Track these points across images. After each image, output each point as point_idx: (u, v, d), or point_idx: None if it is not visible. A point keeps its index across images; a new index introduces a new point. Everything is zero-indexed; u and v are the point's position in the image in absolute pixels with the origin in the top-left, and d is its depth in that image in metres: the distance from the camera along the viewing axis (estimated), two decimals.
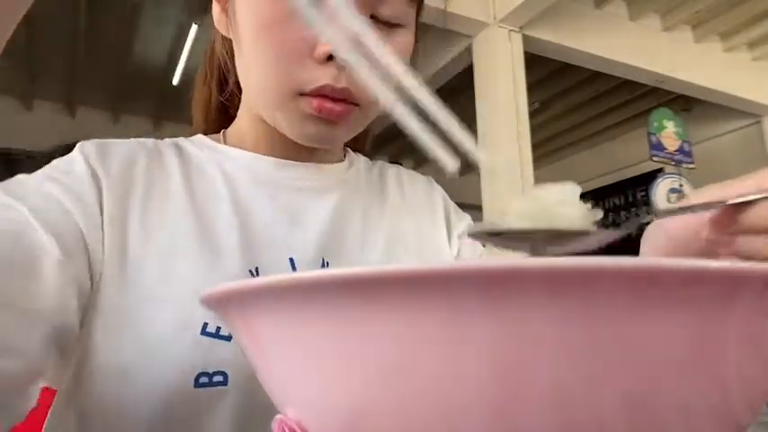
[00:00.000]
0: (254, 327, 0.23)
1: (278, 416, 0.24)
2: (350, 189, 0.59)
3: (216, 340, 0.45)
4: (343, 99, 0.48)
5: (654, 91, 4.48)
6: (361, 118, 0.51)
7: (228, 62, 0.58)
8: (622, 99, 5.04)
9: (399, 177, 0.65)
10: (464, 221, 0.65)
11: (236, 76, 0.56)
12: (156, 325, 0.44)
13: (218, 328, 0.45)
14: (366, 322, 0.19)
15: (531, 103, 3.59)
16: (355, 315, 0.19)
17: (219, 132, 0.60)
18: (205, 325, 0.45)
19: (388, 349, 0.19)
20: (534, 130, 3.54)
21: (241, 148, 0.56)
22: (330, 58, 0.46)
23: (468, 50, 3.54)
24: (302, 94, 0.48)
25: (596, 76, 4.30)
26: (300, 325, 0.21)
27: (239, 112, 0.59)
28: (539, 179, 3.43)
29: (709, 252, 0.36)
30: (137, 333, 0.44)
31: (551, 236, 0.29)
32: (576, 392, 0.18)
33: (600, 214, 0.30)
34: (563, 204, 0.30)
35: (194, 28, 4.00)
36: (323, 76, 0.47)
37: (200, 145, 0.57)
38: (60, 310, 0.40)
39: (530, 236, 0.30)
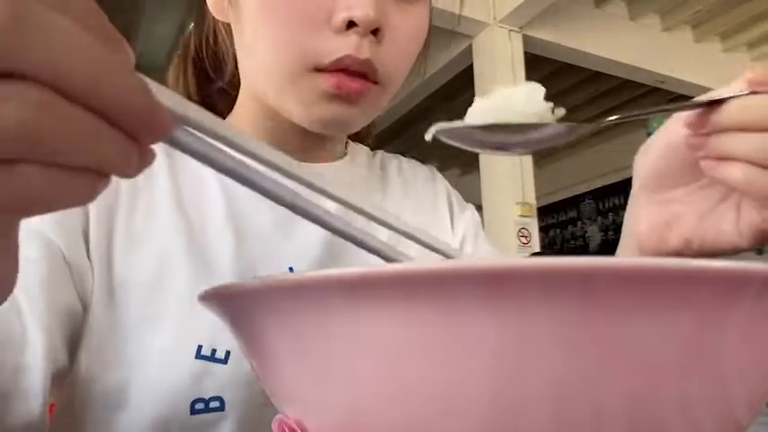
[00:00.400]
0: (253, 327, 0.23)
1: (278, 416, 0.24)
2: (352, 181, 0.56)
3: (211, 363, 0.42)
4: (363, 74, 0.44)
5: (654, 91, 4.48)
6: (381, 97, 0.47)
7: (226, 52, 0.54)
8: (622, 99, 5.04)
9: (401, 168, 0.62)
10: (467, 212, 0.62)
11: (233, 66, 0.52)
12: (148, 351, 0.42)
13: (214, 351, 0.42)
14: (366, 322, 0.19)
15: None
16: (355, 315, 0.19)
17: None
18: (199, 348, 0.42)
19: (387, 349, 0.19)
20: None
21: None
22: (350, 25, 0.42)
23: (469, 50, 3.54)
24: (318, 70, 0.43)
25: (596, 76, 4.30)
26: (300, 325, 0.21)
27: (237, 105, 0.54)
28: (539, 179, 3.43)
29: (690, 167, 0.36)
30: (127, 360, 0.42)
31: (513, 130, 0.31)
32: (576, 392, 0.18)
33: (562, 111, 0.31)
34: (525, 101, 0.31)
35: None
36: (343, 47, 0.42)
37: None
38: (48, 365, 0.37)
39: (493, 131, 0.31)
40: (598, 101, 5.13)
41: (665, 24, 4.04)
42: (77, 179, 0.18)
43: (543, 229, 6.21)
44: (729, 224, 0.36)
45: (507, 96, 0.31)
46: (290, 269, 0.48)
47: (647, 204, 0.40)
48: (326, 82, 0.43)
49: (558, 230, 6.32)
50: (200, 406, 0.41)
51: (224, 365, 0.42)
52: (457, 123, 0.32)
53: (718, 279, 0.18)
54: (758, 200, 0.34)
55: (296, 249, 0.48)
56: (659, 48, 3.94)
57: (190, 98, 0.57)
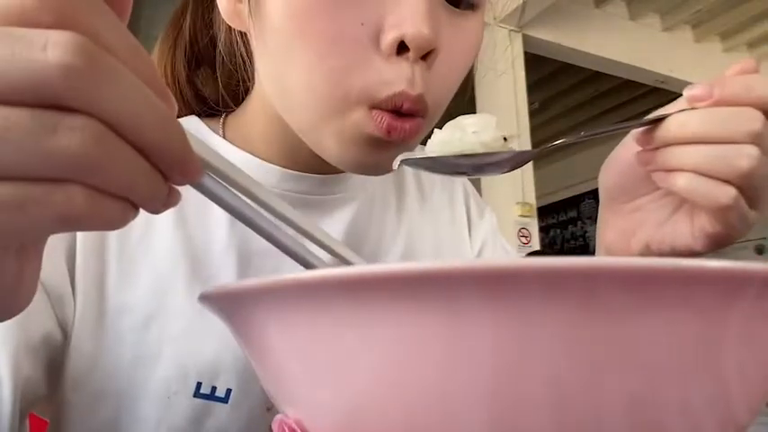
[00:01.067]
0: (254, 327, 0.23)
1: (278, 416, 0.24)
2: (367, 197, 0.52)
3: (211, 403, 0.40)
4: (413, 112, 0.37)
5: (654, 91, 4.48)
6: (423, 131, 0.40)
7: (243, 57, 0.47)
8: (622, 99, 5.04)
9: (417, 176, 0.59)
10: (485, 217, 0.61)
11: (246, 76, 0.47)
12: (143, 385, 0.39)
13: (214, 389, 0.40)
14: (366, 322, 0.19)
15: (530, 103, 3.59)
16: (355, 315, 0.19)
17: (201, 118, 0.50)
18: (198, 385, 0.40)
19: (387, 349, 0.19)
20: (534, 130, 3.54)
21: (244, 148, 0.47)
22: (401, 48, 0.36)
23: None
24: (368, 107, 0.37)
25: (596, 76, 4.29)
26: (300, 325, 0.21)
27: (247, 104, 0.49)
28: (539, 179, 3.43)
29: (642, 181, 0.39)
30: (118, 394, 0.39)
31: (469, 158, 0.34)
32: (576, 392, 0.18)
33: (514, 141, 0.35)
34: (479, 131, 0.34)
35: None
36: (395, 79, 0.36)
37: (194, 132, 0.46)
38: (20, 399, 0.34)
39: (451, 160, 0.35)
40: (598, 101, 5.12)
41: (665, 24, 4.04)
42: (114, 205, 0.20)
43: (543, 229, 6.21)
44: (684, 230, 0.38)
45: (462, 127, 0.35)
46: None
47: (613, 215, 0.42)
48: (376, 125, 0.37)
49: (559, 230, 6.32)
50: None
51: (224, 405, 0.40)
52: (419, 154, 0.36)
53: (718, 279, 0.18)
54: (704, 206, 0.35)
55: (301, 270, 0.46)
56: (659, 48, 3.94)
57: (177, 82, 0.53)
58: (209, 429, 0.40)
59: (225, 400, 0.40)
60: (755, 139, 0.32)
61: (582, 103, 5.15)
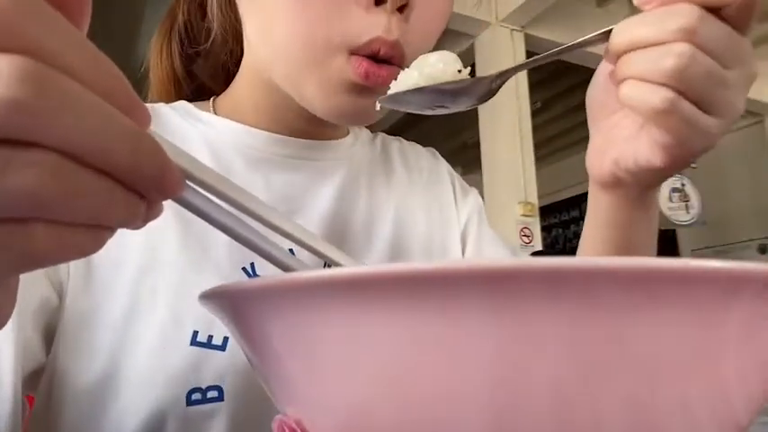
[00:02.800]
0: (253, 327, 0.23)
1: (278, 416, 0.24)
2: (355, 166, 0.54)
3: (208, 350, 0.40)
4: (389, 59, 0.41)
5: None
6: None
7: (235, 34, 0.51)
8: None
9: (403, 151, 0.61)
10: (470, 196, 0.62)
11: (230, 40, 0.49)
12: (137, 338, 0.40)
13: (210, 337, 0.40)
14: (366, 322, 0.19)
15: (533, 103, 3.59)
16: (355, 315, 0.19)
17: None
18: (195, 333, 0.40)
19: (387, 349, 0.19)
20: (536, 129, 3.54)
21: (233, 119, 0.49)
22: (378, 1, 0.40)
23: (471, 50, 3.54)
24: (349, 52, 0.40)
25: None
26: (300, 325, 0.21)
27: (237, 78, 0.51)
28: (541, 178, 3.43)
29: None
30: (111, 348, 0.39)
31: (433, 90, 0.36)
32: (577, 393, 0.18)
33: (467, 72, 0.36)
34: (440, 65, 0.36)
35: None
36: (372, 27, 0.40)
37: (182, 112, 0.49)
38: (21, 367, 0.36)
39: (418, 93, 0.36)
40: None
41: None
42: (83, 235, 0.19)
43: (545, 229, 6.20)
44: (644, 144, 0.37)
45: (426, 65, 0.37)
46: (291, 251, 0.47)
47: (594, 134, 0.42)
48: (353, 69, 0.40)
49: (561, 230, 6.31)
50: (196, 396, 0.40)
51: (222, 352, 0.41)
52: (390, 91, 0.38)
53: (718, 279, 0.18)
54: (643, 114, 0.34)
55: None
56: None
57: (174, 72, 0.55)
58: (205, 377, 0.40)
59: (222, 347, 0.41)
60: (686, 36, 0.30)
61: (584, 102, 5.13)
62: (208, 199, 0.25)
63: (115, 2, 3.79)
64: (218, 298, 0.23)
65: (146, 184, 0.19)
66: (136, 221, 0.20)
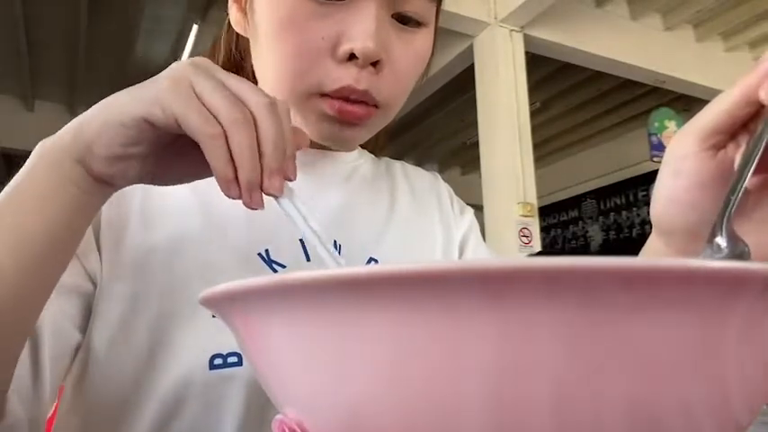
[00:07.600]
0: (253, 327, 0.23)
1: (278, 416, 0.24)
2: (359, 180, 0.59)
3: None
4: (364, 101, 0.47)
5: (655, 91, 4.48)
6: (381, 119, 0.51)
7: (242, 61, 0.58)
8: (623, 99, 5.04)
9: (406, 173, 0.66)
10: (467, 215, 0.66)
11: (250, 75, 0.55)
12: (173, 313, 0.45)
13: None
14: (366, 322, 0.19)
15: (531, 103, 3.59)
16: (355, 315, 0.19)
17: None
18: None
19: (387, 349, 0.19)
20: (535, 129, 3.54)
21: None
22: (351, 57, 0.45)
23: (470, 50, 3.54)
24: (322, 95, 0.47)
25: (597, 75, 4.29)
26: (300, 325, 0.21)
27: None
28: (540, 179, 3.43)
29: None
30: (150, 327, 0.44)
31: None
32: (577, 393, 0.18)
33: None
34: None
35: (195, 28, 4.00)
36: (344, 77, 0.46)
37: None
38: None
39: None
40: (599, 101, 5.12)
41: (667, 24, 4.04)
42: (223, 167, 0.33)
43: (544, 229, 6.21)
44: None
45: None
46: (301, 241, 0.51)
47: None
48: (330, 107, 0.47)
49: (560, 230, 6.32)
50: (218, 361, 0.44)
51: None
52: None
53: (718, 279, 0.18)
54: None
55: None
56: (660, 47, 3.93)
57: None
58: (226, 343, 0.44)
59: None
60: None
61: (583, 102, 5.15)
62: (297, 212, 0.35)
63: (115, 2, 3.79)
64: (218, 298, 0.23)
65: (270, 165, 0.33)
66: (233, 189, 0.33)
